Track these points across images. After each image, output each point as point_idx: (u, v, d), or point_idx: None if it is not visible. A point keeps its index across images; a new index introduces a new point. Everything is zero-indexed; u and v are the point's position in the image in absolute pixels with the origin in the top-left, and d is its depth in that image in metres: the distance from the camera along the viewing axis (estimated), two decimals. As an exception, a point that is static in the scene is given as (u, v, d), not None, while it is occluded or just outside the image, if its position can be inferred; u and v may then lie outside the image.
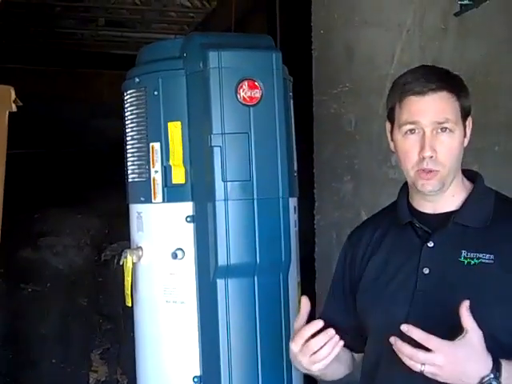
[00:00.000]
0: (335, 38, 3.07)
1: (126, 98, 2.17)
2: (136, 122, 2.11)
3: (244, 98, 1.93)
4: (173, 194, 2.02)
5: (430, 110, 1.42)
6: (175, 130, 2.00)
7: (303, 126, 2.72)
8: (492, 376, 1.29)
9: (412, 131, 1.43)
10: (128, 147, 2.17)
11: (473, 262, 1.42)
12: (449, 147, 1.43)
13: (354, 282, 1.58)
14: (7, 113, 2.43)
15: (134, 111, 2.12)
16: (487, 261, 1.42)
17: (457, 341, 1.29)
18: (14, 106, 2.43)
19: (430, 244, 1.47)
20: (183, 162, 2.00)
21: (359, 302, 1.56)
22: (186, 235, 2.00)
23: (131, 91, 2.13)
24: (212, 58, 1.92)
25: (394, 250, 1.53)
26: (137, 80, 2.10)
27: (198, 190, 1.98)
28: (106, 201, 4.15)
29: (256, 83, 1.94)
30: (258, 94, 1.94)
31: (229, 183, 1.92)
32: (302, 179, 2.29)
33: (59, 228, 4.24)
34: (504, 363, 1.31)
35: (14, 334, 3.92)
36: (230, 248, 1.93)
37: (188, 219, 1.99)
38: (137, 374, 2.24)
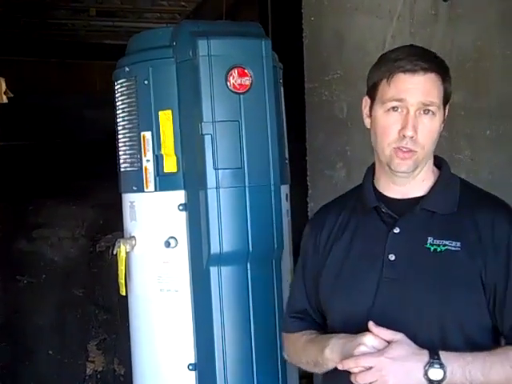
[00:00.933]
0: (326, 25, 3.06)
1: (116, 87, 2.17)
2: (127, 111, 2.11)
3: (234, 86, 1.93)
4: (165, 182, 2.02)
5: (418, 89, 1.40)
6: (166, 118, 2.01)
7: (295, 113, 2.72)
8: (432, 361, 1.31)
9: (395, 109, 1.42)
10: (120, 137, 2.17)
11: (439, 249, 1.42)
12: (429, 129, 1.42)
13: (318, 267, 1.55)
14: (-2, 104, 2.43)
15: (125, 101, 2.12)
16: (453, 248, 1.41)
17: (387, 350, 1.32)
18: (4, 97, 2.43)
19: (396, 230, 1.45)
20: (174, 150, 2.00)
21: (322, 289, 1.54)
22: (178, 224, 2.00)
23: (122, 81, 2.13)
24: (201, 46, 1.92)
25: (359, 236, 1.51)
26: (127, 69, 2.10)
27: (189, 178, 1.99)
28: (101, 192, 4.14)
29: (246, 71, 1.94)
30: (247, 81, 1.94)
31: (220, 171, 1.93)
32: (294, 167, 2.30)
33: (54, 219, 4.23)
34: (443, 351, 1.33)
35: (10, 326, 3.92)
36: (222, 236, 1.94)
37: (180, 207, 2.00)
38: (132, 362, 2.25)
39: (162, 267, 2.04)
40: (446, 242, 1.42)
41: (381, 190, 1.52)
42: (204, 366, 2.00)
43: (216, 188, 1.93)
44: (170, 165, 2.00)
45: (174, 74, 2.00)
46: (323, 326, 1.57)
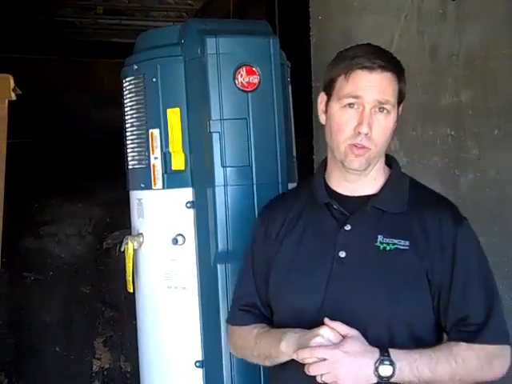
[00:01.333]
0: (333, 23, 3.06)
1: (124, 85, 2.17)
2: (135, 108, 2.12)
3: (242, 84, 1.94)
4: (173, 180, 2.03)
5: (375, 87, 1.42)
6: (174, 116, 2.01)
7: (302, 112, 2.72)
8: (382, 357, 1.33)
9: (351, 105, 1.43)
10: (127, 134, 2.18)
11: (388, 248, 1.43)
12: (383, 127, 1.44)
13: (269, 262, 1.55)
14: (7, 101, 2.43)
15: (133, 98, 2.12)
16: (402, 247, 1.43)
17: (342, 344, 1.34)
18: (13, 94, 2.43)
19: (347, 227, 1.46)
20: (182, 148, 2.01)
21: (272, 285, 1.54)
22: (186, 221, 2.01)
23: (130, 78, 2.14)
24: (210, 45, 1.92)
25: (310, 231, 1.51)
26: (135, 67, 2.10)
27: (197, 175, 1.99)
28: (108, 189, 4.16)
29: (254, 69, 1.94)
30: (255, 79, 1.95)
31: (228, 169, 1.93)
32: (301, 165, 2.30)
33: (61, 217, 4.25)
34: (392, 349, 1.35)
35: (17, 323, 3.94)
36: (229, 233, 1.94)
37: (188, 205, 2.00)
38: (139, 359, 2.25)
39: (169, 264, 2.05)
40: (396, 241, 1.43)
41: (332, 187, 1.53)
42: (211, 363, 2.01)
43: (224, 186, 1.93)
44: (178, 162, 2.00)
45: (182, 71, 2.00)
46: (271, 319, 1.58)
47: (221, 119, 1.92)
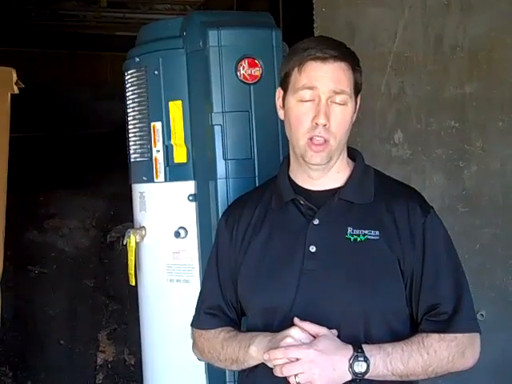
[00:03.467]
0: (337, 15, 3.04)
1: (126, 77, 2.17)
2: (137, 101, 2.11)
3: (244, 76, 1.93)
4: (175, 173, 2.02)
5: (329, 77, 1.40)
6: (176, 109, 2.00)
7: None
8: (356, 354, 1.33)
9: (307, 98, 1.41)
10: (130, 127, 2.17)
11: (359, 239, 1.42)
12: (341, 119, 1.42)
13: (236, 263, 1.53)
14: (9, 94, 2.43)
15: (135, 91, 2.12)
16: (373, 237, 1.42)
17: (315, 343, 1.33)
18: (15, 87, 2.43)
19: (316, 221, 1.44)
20: (184, 140, 2.00)
21: (242, 285, 1.51)
22: (188, 214, 2.00)
23: (132, 71, 2.13)
24: (212, 37, 1.91)
25: (278, 229, 1.49)
26: (137, 60, 2.10)
27: (199, 168, 1.99)
28: (111, 183, 4.16)
29: (256, 61, 1.93)
30: (258, 72, 1.94)
31: (230, 161, 1.92)
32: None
33: (65, 210, 4.26)
34: (365, 345, 1.35)
35: (21, 316, 3.95)
36: (231, 226, 1.93)
37: (190, 198, 2.00)
38: (142, 352, 2.26)
39: (171, 257, 2.05)
40: (366, 232, 1.42)
41: (297, 182, 1.51)
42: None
43: (226, 178, 1.92)
44: (180, 155, 2.00)
45: (185, 64, 2.00)
46: (237, 321, 1.57)
47: (223, 112, 1.92)
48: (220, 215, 1.91)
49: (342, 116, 1.42)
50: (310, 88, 1.41)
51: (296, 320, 1.37)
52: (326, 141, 1.41)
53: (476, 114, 2.66)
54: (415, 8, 2.81)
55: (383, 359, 1.35)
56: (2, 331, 2.45)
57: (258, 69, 1.94)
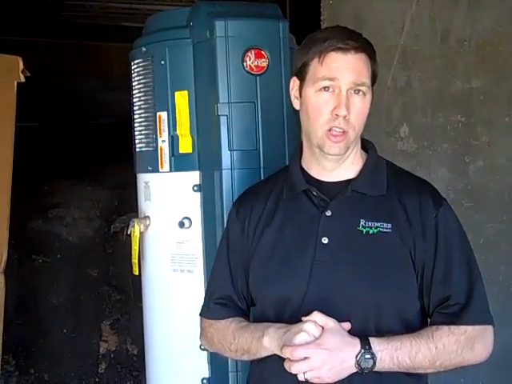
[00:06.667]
0: (345, 8, 3.04)
1: (133, 67, 2.16)
2: (143, 91, 2.11)
3: (250, 67, 1.92)
4: (180, 163, 2.02)
5: (351, 69, 1.39)
6: (182, 99, 2.00)
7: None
8: (363, 350, 1.33)
9: (327, 88, 1.40)
10: (135, 117, 2.17)
11: (371, 231, 1.41)
12: (360, 110, 1.41)
13: (248, 253, 1.52)
14: (15, 83, 2.43)
15: (141, 81, 2.12)
16: (385, 230, 1.41)
17: (322, 341, 1.32)
18: (22, 76, 2.42)
19: (328, 213, 1.44)
20: (190, 131, 2.00)
21: (253, 276, 1.51)
22: (192, 204, 2.00)
23: (138, 61, 2.13)
24: (218, 27, 1.91)
25: (290, 220, 1.48)
26: (144, 49, 2.10)
27: (204, 159, 1.99)
28: (116, 173, 4.17)
29: (262, 52, 1.93)
30: (264, 63, 1.93)
31: (235, 152, 1.92)
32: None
33: (69, 200, 4.27)
34: (373, 339, 1.35)
35: (25, 305, 3.97)
36: (236, 217, 1.93)
37: (195, 188, 2.00)
38: (145, 342, 2.26)
39: (175, 247, 2.05)
40: (378, 224, 1.42)
41: (309, 173, 1.50)
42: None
43: (231, 169, 1.92)
44: (186, 145, 2.00)
45: (191, 54, 1.99)
46: (247, 312, 1.57)
47: (229, 102, 1.92)
48: (224, 206, 1.92)
49: (361, 107, 1.41)
50: (331, 79, 1.39)
51: (315, 313, 1.36)
52: (344, 132, 1.41)
53: (482, 109, 2.65)
54: (423, 1, 2.80)
55: (390, 354, 1.35)
56: (5, 320, 2.47)
57: (264, 60, 1.93)
